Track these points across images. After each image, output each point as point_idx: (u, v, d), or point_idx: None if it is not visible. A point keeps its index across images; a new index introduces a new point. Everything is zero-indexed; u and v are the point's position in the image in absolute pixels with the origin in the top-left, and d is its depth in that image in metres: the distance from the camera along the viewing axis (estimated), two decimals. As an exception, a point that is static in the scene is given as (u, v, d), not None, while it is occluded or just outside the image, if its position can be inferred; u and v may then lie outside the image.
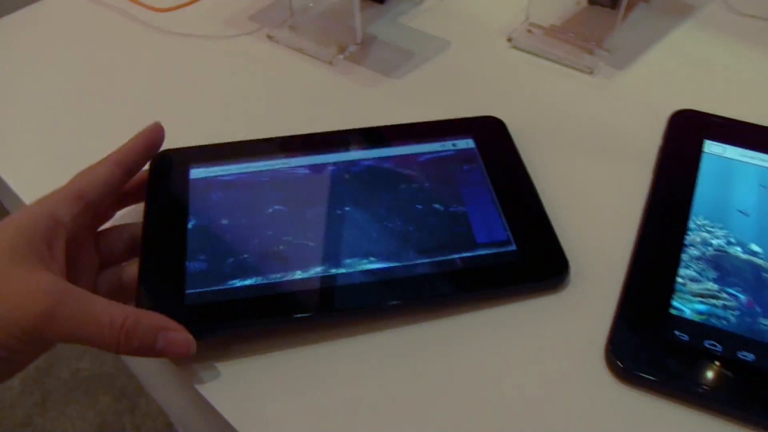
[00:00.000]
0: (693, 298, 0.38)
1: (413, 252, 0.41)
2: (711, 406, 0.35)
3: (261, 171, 0.46)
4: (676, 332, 0.37)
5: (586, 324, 0.39)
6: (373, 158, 0.47)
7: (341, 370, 0.38)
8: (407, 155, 0.47)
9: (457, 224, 0.43)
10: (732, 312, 0.38)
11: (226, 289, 0.39)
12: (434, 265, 0.41)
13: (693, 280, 0.39)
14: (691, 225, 0.42)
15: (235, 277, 0.40)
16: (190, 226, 0.43)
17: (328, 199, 0.44)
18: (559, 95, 0.54)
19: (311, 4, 0.64)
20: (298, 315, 0.39)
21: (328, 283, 0.40)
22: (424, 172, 0.46)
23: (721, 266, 0.40)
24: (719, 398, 0.35)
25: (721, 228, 0.41)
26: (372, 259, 0.41)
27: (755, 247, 0.41)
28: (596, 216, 0.44)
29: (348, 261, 0.41)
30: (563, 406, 0.36)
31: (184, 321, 0.37)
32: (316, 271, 0.40)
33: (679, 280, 0.39)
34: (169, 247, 0.42)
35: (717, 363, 0.36)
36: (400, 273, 0.40)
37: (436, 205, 0.44)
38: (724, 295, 0.38)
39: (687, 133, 0.47)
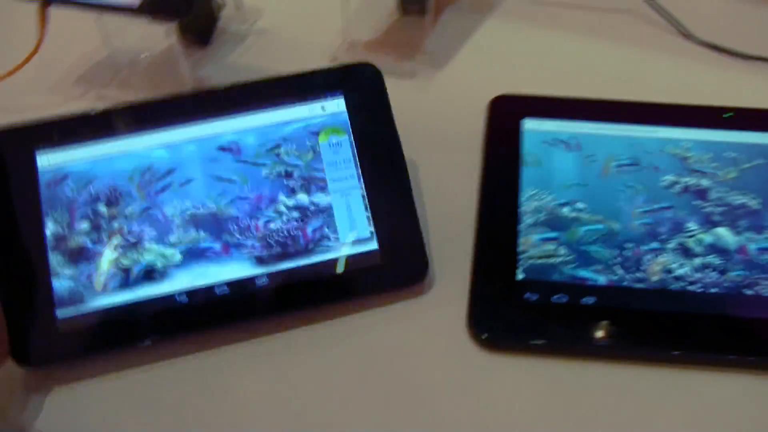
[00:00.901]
0: (535, 261, 0.42)
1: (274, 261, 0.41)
2: (572, 351, 0.39)
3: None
4: (527, 295, 0.41)
5: (448, 308, 0.42)
6: (233, 131, 0.43)
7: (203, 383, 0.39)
8: (270, 126, 0.43)
9: (319, 220, 0.42)
10: (568, 265, 0.42)
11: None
12: (286, 274, 0.41)
13: (532, 245, 0.43)
14: (522, 197, 0.46)
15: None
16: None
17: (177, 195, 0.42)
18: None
19: (142, 56, 0.64)
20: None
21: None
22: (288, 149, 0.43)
23: (555, 226, 0.44)
24: (576, 342, 0.39)
25: (549, 194, 0.46)
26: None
27: (580, 205, 0.45)
28: (438, 205, 0.48)
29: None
30: (443, 387, 0.39)
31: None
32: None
33: (520, 248, 0.43)
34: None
35: (567, 312, 0.40)
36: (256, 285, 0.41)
37: (300, 197, 0.42)
38: (561, 251, 0.43)
39: (506, 116, 0.52)
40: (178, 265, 0.41)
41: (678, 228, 0.44)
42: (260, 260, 0.41)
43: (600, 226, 0.44)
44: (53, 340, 0.39)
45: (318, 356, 0.41)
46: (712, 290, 0.41)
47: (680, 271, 0.42)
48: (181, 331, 0.40)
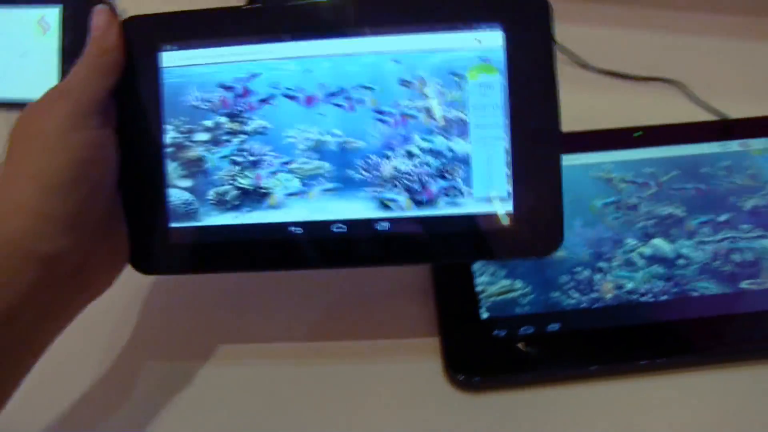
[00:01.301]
0: (495, 298, 0.44)
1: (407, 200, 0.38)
2: (545, 379, 0.41)
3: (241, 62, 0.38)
4: (495, 332, 0.42)
5: (421, 357, 0.43)
6: (373, 52, 0.37)
7: None
8: (415, 53, 0.37)
9: (454, 169, 0.37)
10: (527, 297, 0.44)
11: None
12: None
13: (489, 283, 0.45)
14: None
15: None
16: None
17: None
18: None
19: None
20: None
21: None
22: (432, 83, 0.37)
23: (507, 263, 0.46)
24: (548, 369, 0.41)
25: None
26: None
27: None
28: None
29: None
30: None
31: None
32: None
33: (478, 288, 0.45)
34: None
35: (536, 342, 0.42)
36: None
37: (437, 140, 0.37)
38: (518, 285, 0.45)
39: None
40: (296, 194, 0.38)
41: (619, 245, 0.47)
42: (383, 203, 0.38)
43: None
44: (165, 251, 0.38)
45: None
46: (662, 298, 0.44)
47: (630, 285, 0.44)
48: (293, 264, 0.39)
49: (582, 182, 0.51)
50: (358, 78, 0.37)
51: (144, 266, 0.39)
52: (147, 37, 0.37)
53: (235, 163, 0.38)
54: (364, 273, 0.47)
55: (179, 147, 0.38)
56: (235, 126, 0.38)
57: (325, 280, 0.48)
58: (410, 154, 0.37)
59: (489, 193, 0.37)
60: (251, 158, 0.38)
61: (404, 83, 0.37)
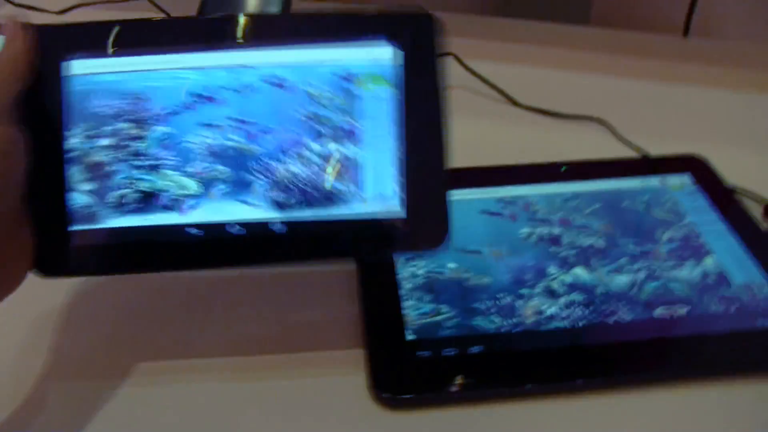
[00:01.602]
0: (421, 321, 0.45)
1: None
2: (466, 398, 0.42)
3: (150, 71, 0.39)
4: (419, 353, 0.43)
5: (346, 376, 0.44)
6: (270, 64, 0.39)
7: None
8: (309, 65, 0.39)
9: (345, 172, 0.39)
10: (451, 320, 0.45)
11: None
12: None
13: (415, 308, 0.46)
14: (398, 265, 0.49)
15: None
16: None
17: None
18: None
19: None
20: None
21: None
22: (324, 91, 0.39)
23: (432, 288, 0.47)
24: (470, 388, 0.42)
25: (422, 259, 0.49)
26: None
27: (452, 265, 0.49)
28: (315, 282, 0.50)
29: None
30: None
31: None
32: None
33: (405, 312, 0.46)
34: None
35: (458, 363, 0.43)
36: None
37: (329, 145, 0.39)
38: (443, 309, 0.46)
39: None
40: (194, 197, 0.39)
41: (541, 273, 0.48)
42: (279, 205, 0.39)
43: (473, 282, 0.48)
44: (66, 253, 0.38)
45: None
46: (581, 323, 0.45)
47: (550, 311, 0.46)
48: (193, 264, 0.40)
49: (510, 213, 0.53)
50: (255, 87, 0.39)
51: (46, 269, 0.39)
52: (54, 45, 0.38)
53: (135, 167, 0.39)
54: (289, 286, 0.49)
55: (82, 152, 0.39)
56: (137, 132, 0.39)
57: (248, 291, 0.48)
58: (303, 158, 0.39)
59: (380, 194, 0.39)
60: (151, 162, 0.39)
61: (300, 92, 0.39)
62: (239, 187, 0.39)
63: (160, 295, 0.48)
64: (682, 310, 0.46)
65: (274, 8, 0.51)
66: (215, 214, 0.39)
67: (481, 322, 0.45)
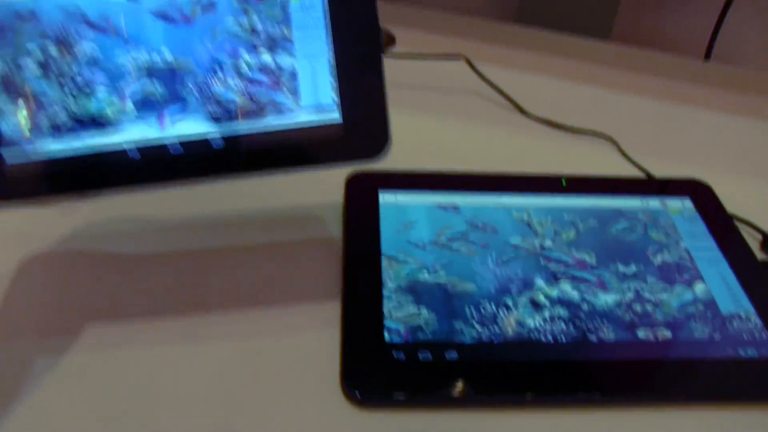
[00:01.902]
0: (400, 322, 0.45)
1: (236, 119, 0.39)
2: (436, 404, 0.42)
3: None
4: (394, 354, 0.43)
5: (319, 370, 0.43)
6: None
7: None
8: None
9: (282, 83, 0.39)
10: (430, 324, 0.45)
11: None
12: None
13: (396, 308, 0.46)
14: (384, 264, 0.48)
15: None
16: None
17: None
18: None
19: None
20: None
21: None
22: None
23: (416, 290, 0.47)
24: (440, 395, 0.42)
25: (408, 259, 0.49)
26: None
27: (438, 268, 0.48)
28: (301, 279, 0.50)
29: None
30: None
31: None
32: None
33: (386, 312, 0.45)
34: None
35: (432, 368, 0.43)
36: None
37: (264, 56, 0.39)
38: (424, 312, 0.45)
39: (363, 190, 0.55)
40: (131, 117, 0.38)
41: (527, 285, 0.48)
42: (216, 119, 0.39)
43: (457, 288, 0.47)
44: (3, 180, 0.38)
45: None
46: (561, 338, 0.45)
47: (531, 324, 0.45)
48: (129, 184, 0.39)
49: (504, 221, 0.53)
50: None
51: None
52: None
53: (66, 90, 0.38)
54: (270, 271, 0.49)
55: (7, 78, 0.37)
56: (65, 53, 0.38)
57: (227, 273, 0.48)
58: (238, 71, 0.39)
59: (316, 102, 0.39)
60: (83, 85, 0.38)
61: (231, 5, 0.38)
62: (175, 104, 0.38)
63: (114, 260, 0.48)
64: (666, 334, 0.46)
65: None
66: (152, 133, 0.39)
67: (460, 329, 0.45)
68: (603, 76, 0.78)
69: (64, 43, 0.38)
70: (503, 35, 0.78)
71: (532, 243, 0.51)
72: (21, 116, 0.38)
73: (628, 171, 0.63)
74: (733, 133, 0.71)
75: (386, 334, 0.44)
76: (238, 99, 0.39)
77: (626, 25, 0.90)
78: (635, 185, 0.59)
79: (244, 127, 0.39)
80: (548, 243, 0.51)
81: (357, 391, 0.42)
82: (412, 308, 0.46)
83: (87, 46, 0.38)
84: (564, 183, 0.57)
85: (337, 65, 0.39)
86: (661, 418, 0.42)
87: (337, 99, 0.39)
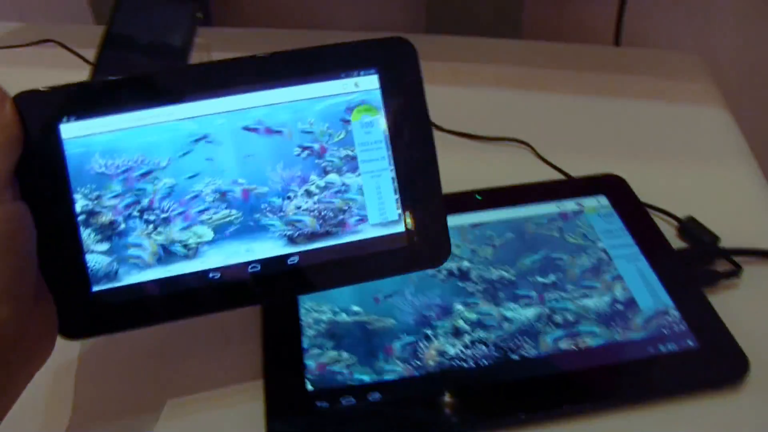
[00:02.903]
0: (320, 370, 0.45)
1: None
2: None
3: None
4: (317, 403, 0.43)
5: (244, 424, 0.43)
6: (264, 105, 0.40)
7: None
8: (302, 102, 0.41)
9: (349, 201, 0.41)
10: (351, 367, 0.45)
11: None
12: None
13: (318, 355, 0.46)
14: (301, 311, 0.48)
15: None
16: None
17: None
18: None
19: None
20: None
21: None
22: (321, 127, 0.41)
23: (335, 334, 0.47)
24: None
25: (325, 304, 0.49)
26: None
27: (356, 308, 0.48)
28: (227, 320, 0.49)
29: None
30: None
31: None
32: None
33: (306, 360, 0.45)
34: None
35: (355, 413, 0.43)
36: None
37: (331, 176, 0.41)
38: (344, 356, 0.46)
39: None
40: (210, 243, 0.40)
41: (447, 311, 0.48)
42: (291, 239, 0.40)
43: (376, 325, 0.47)
44: (90, 314, 0.39)
45: None
46: (483, 362, 0.45)
47: (453, 351, 0.46)
48: (216, 307, 0.40)
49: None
50: (253, 129, 0.40)
51: (72, 332, 0.39)
52: (45, 111, 0.38)
53: (147, 222, 0.39)
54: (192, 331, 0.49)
55: (91, 213, 0.39)
56: (143, 186, 0.39)
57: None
58: (309, 193, 0.41)
59: (383, 218, 0.41)
60: (162, 215, 0.40)
61: (298, 130, 0.41)
62: (250, 227, 0.40)
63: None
64: (589, 341, 0.47)
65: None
66: (232, 257, 0.40)
67: (381, 368, 0.45)
68: (515, 76, 0.78)
69: (141, 177, 0.39)
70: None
71: (448, 266, 0.51)
72: (107, 252, 0.39)
73: (546, 173, 0.64)
74: (646, 118, 0.72)
75: (308, 384, 0.44)
76: (310, 220, 0.41)
77: (535, 21, 0.91)
78: (551, 189, 0.60)
79: (317, 245, 0.41)
80: (465, 264, 0.51)
81: (282, 448, 0.42)
82: (333, 353, 0.46)
83: (164, 178, 0.40)
84: (479, 198, 0.58)
85: (398, 178, 0.41)
86: (593, 427, 0.43)
87: (401, 213, 0.41)
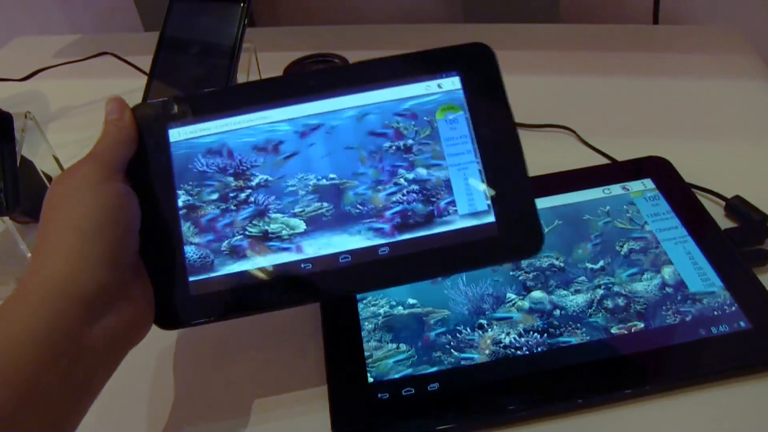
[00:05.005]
0: (381, 362, 0.47)
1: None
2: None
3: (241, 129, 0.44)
4: (379, 395, 0.45)
5: (309, 419, 0.45)
6: (355, 107, 0.44)
7: None
8: (390, 103, 0.45)
9: (438, 193, 0.43)
10: (411, 359, 0.46)
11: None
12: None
13: (376, 348, 0.47)
14: (360, 305, 0.50)
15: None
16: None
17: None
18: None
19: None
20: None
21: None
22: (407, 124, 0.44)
23: (393, 326, 0.49)
24: (427, 427, 0.44)
25: (382, 297, 0.50)
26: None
27: (411, 300, 0.50)
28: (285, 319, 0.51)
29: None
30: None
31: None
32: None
33: (367, 353, 0.47)
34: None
35: (415, 403, 0.44)
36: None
37: (419, 170, 0.44)
38: (402, 347, 0.47)
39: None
40: (302, 234, 0.42)
41: (499, 301, 0.49)
42: (381, 231, 0.42)
43: (432, 317, 0.49)
44: (187, 304, 0.42)
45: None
46: (537, 350, 0.46)
47: (507, 340, 0.47)
48: (309, 298, 0.43)
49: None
50: (346, 126, 0.44)
51: (167, 321, 0.42)
52: (156, 118, 0.43)
53: (242, 215, 0.43)
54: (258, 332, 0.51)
55: (191, 208, 0.43)
56: (241, 183, 0.43)
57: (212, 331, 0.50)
58: (398, 186, 0.43)
59: (472, 208, 0.42)
60: (258, 208, 0.43)
61: (386, 127, 0.44)
62: (342, 219, 0.42)
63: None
64: (639, 325, 0.47)
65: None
66: (324, 248, 0.42)
67: (438, 358, 0.46)
68: (555, 60, 0.79)
69: (239, 175, 0.43)
70: (454, 36, 0.78)
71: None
72: (205, 244, 0.42)
73: (590, 157, 0.64)
74: (688, 97, 0.71)
75: (369, 376, 0.46)
76: (400, 211, 0.43)
77: (572, 4, 0.91)
78: (596, 174, 0.60)
79: (407, 236, 0.42)
80: (515, 253, 0.52)
81: (348, 437, 0.43)
82: (391, 346, 0.47)
83: (260, 175, 0.43)
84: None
85: (486, 172, 0.42)
86: (647, 411, 0.44)
87: (490, 203, 0.42)
